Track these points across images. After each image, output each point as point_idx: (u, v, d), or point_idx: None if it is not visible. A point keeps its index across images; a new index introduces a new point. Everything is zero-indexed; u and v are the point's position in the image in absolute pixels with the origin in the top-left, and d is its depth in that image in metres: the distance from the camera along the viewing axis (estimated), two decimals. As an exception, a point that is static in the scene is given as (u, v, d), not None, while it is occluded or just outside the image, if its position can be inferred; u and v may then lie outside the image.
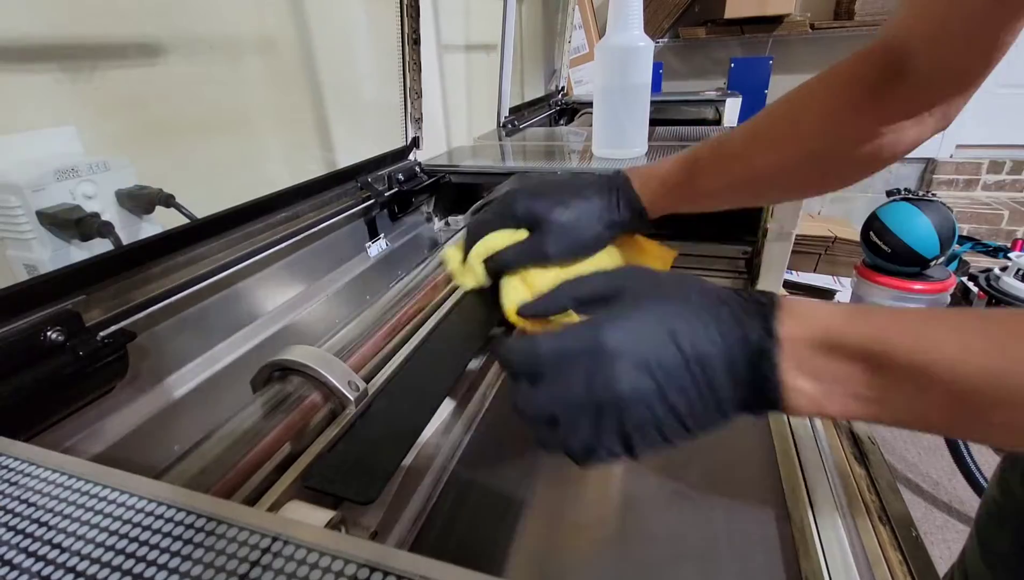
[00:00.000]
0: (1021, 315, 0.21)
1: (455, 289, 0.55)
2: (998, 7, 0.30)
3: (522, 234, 0.44)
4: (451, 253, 0.50)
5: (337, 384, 0.37)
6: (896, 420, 0.24)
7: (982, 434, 0.23)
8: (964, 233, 2.00)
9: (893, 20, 0.36)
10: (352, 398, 0.37)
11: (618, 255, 0.45)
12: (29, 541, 0.18)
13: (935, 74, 0.34)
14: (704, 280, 0.29)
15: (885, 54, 0.35)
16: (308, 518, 0.26)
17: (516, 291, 0.42)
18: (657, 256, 0.49)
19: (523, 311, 0.39)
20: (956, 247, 1.66)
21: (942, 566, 1.19)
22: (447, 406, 0.45)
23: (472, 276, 0.46)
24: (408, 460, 0.35)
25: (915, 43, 0.34)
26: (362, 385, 0.38)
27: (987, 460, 1.46)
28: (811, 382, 0.24)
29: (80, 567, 0.17)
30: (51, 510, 0.19)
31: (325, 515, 0.26)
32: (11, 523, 0.19)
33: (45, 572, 0.17)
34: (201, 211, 0.52)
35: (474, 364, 0.50)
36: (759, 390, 0.25)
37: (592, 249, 0.43)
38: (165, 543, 0.18)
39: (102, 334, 0.37)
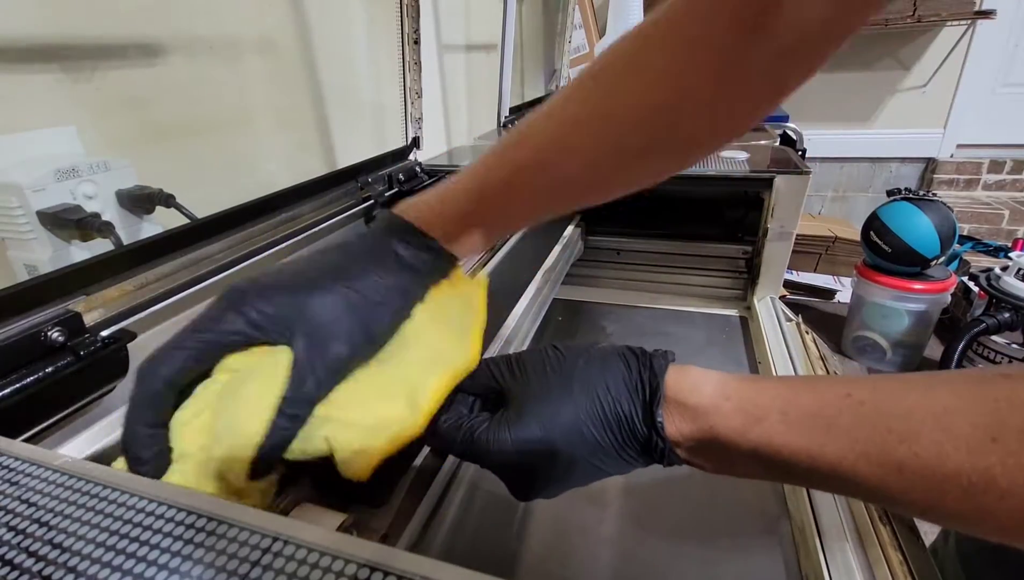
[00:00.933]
0: (909, 418, 0.20)
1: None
2: None
3: (276, 360, 0.25)
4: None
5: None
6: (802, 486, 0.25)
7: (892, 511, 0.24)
8: (965, 233, 2.00)
9: None
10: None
11: (429, 313, 0.31)
12: (29, 541, 0.18)
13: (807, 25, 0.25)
14: (592, 349, 0.29)
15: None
16: (319, 521, 0.26)
17: (345, 431, 0.25)
18: (471, 291, 0.35)
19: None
20: (957, 247, 1.66)
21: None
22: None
23: (230, 491, 0.24)
24: (417, 462, 0.35)
25: None
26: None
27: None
28: (710, 462, 0.26)
29: (80, 567, 0.17)
30: (51, 510, 0.19)
31: (336, 518, 0.26)
32: (11, 523, 0.19)
33: (46, 572, 0.17)
34: (201, 211, 0.52)
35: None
36: (666, 462, 0.27)
37: (395, 326, 0.29)
38: (165, 543, 0.17)
39: (103, 334, 0.37)
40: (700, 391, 0.26)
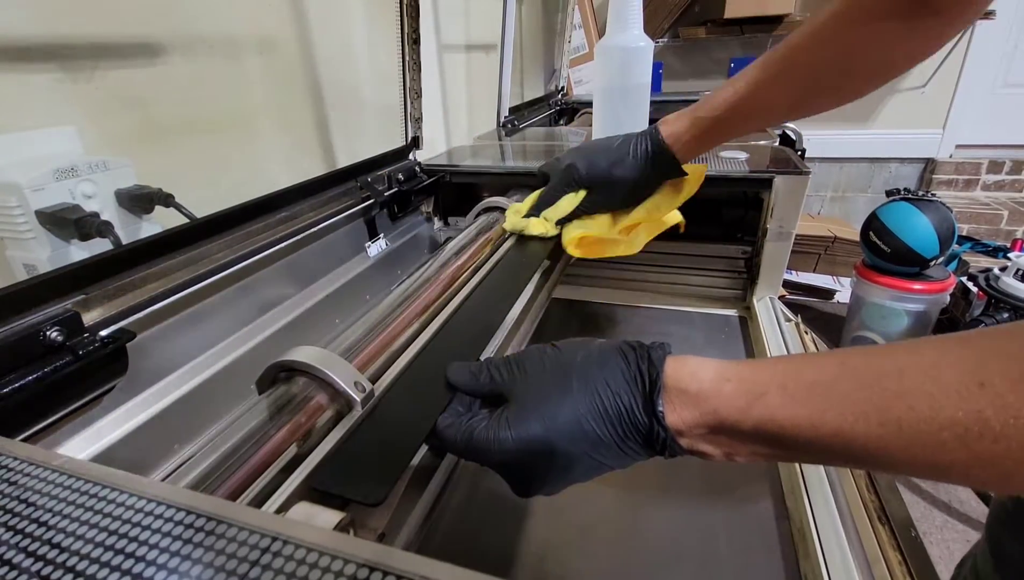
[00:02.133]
0: (902, 377, 0.21)
1: (460, 289, 0.55)
2: None
3: (582, 195, 0.57)
4: (517, 208, 0.63)
5: (343, 385, 0.37)
6: (806, 463, 0.25)
7: (895, 474, 0.24)
8: (964, 233, 2.00)
9: None
10: (358, 399, 0.37)
11: (659, 194, 0.58)
12: (29, 541, 0.18)
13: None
14: (590, 346, 0.30)
15: None
16: (316, 520, 0.26)
17: (575, 230, 0.59)
18: (691, 180, 0.58)
19: None
20: (956, 247, 1.66)
21: (941, 566, 1.19)
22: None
23: (542, 226, 0.60)
24: (415, 461, 0.35)
25: None
26: (368, 386, 0.38)
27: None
28: (712, 448, 0.26)
29: (80, 567, 0.17)
30: (51, 510, 0.19)
31: (333, 517, 0.26)
32: (11, 523, 0.19)
33: (45, 572, 0.17)
34: (201, 211, 0.52)
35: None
36: (668, 454, 0.27)
37: (635, 199, 0.57)
38: (165, 543, 0.18)
39: (102, 334, 0.37)
40: (699, 377, 0.26)
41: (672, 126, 0.53)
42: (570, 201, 0.58)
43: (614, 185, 0.55)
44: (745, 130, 0.52)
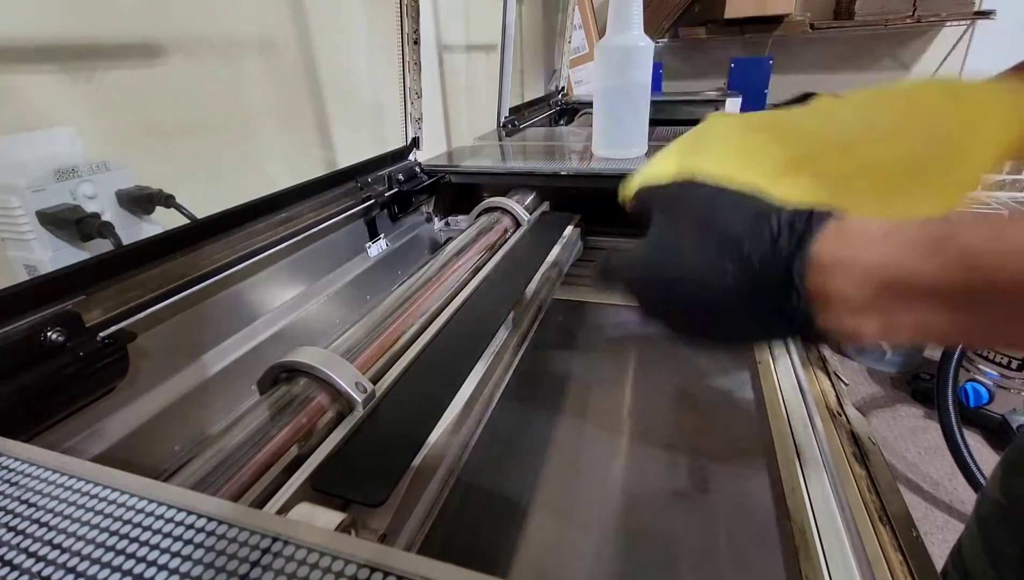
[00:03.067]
0: None
1: (461, 289, 0.55)
2: None
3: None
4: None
5: (344, 386, 0.37)
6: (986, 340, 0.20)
7: None
8: (964, 233, 1.99)
9: None
10: (360, 400, 0.37)
11: None
12: (29, 541, 0.18)
13: None
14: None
15: None
16: (318, 521, 0.26)
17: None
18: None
19: None
20: (956, 247, 1.66)
21: (942, 566, 1.18)
22: (455, 406, 0.45)
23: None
24: (417, 461, 0.35)
25: None
26: (369, 386, 0.38)
27: (987, 460, 1.46)
28: (869, 321, 0.21)
29: (80, 567, 0.17)
30: (51, 510, 0.19)
31: (335, 517, 0.26)
32: (11, 523, 0.19)
33: (45, 572, 0.17)
34: (201, 211, 0.52)
35: (481, 365, 0.50)
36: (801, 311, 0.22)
37: None
38: (165, 543, 0.18)
39: (102, 334, 0.37)
40: (868, 230, 0.21)
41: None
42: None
43: None
44: None
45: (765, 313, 0.23)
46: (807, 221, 0.22)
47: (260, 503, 0.30)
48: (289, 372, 0.38)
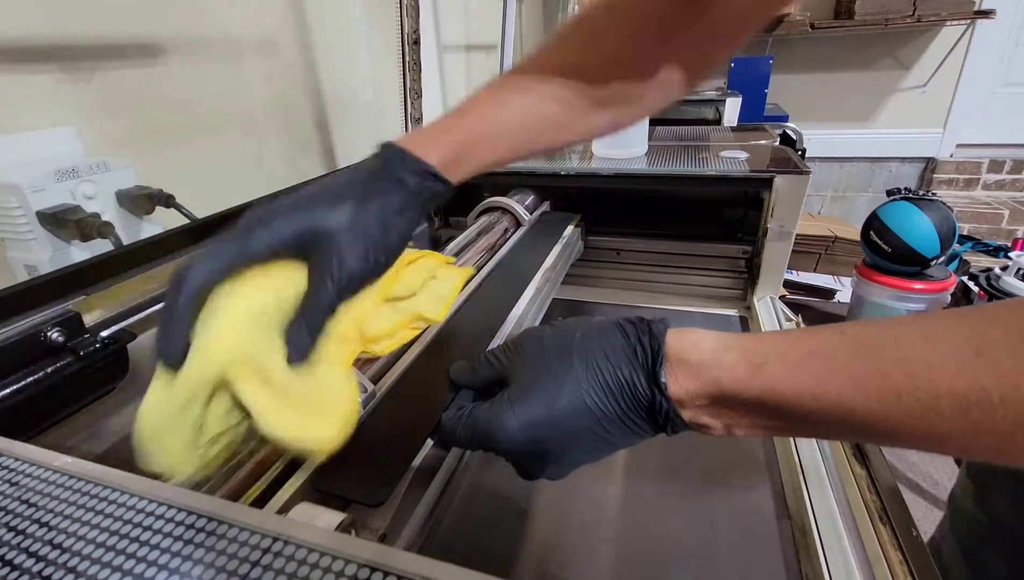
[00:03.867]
0: (900, 346, 0.21)
1: (461, 290, 0.55)
2: None
3: (291, 276, 0.27)
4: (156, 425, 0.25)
5: (341, 385, 0.37)
6: (805, 437, 0.24)
7: (892, 446, 0.23)
8: (964, 232, 2.00)
9: None
10: (360, 400, 0.37)
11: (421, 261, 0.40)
12: (29, 541, 0.18)
13: (732, 11, 0.32)
14: (589, 322, 0.30)
15: None
16: (318, 521, 0.26)
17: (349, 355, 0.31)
18: (457, 272, 0.44)
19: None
20: (956, 246, 1.66)
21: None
22: (450, 406, 0.45)
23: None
24: (417, 461, 0.35)
25: None
26: (370, 386, 0.38)
27: (987, 460, 1.46)
28: (713, 420, 0.26)
29: (80, 567, 0.17)
30: (51, 510, 0.19)
31: (335, 518, 0.26)
32: (11, 523, 0.19)
33: (46, 572, 0.17)
34: (201, 211, 0.52)
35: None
36: (671, 428, 0.27)
37: (401, 249, 0.30)
38: (165, 543, 0.18)
39: (102, 334, 0.36)
40: (701, 348, 0.26)
41: (418, 143, 0.33)
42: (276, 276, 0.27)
43: (356, 231, 0.28)
44: (517, 150, 0.36)
45: (642, 422, 0.27)
46: (651, 328, 0.27)
47: (260, 503, 0.30)
48: (289, 372, 0.38)
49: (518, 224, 0.73)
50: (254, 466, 0.31)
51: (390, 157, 0.30)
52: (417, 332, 0.40)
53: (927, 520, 1.33)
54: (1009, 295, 1.36)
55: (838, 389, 0.22)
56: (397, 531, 0.33)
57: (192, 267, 0.25)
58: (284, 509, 0.28)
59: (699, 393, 0.25)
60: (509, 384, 0.29)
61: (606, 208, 0.83)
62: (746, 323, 0.73)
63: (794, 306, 0.98)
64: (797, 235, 0.69)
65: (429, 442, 0.36)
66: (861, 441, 0.26)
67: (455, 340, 0.48)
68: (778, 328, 0.63)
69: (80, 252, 0.48)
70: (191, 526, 0.18)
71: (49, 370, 0.33)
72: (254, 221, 0.27)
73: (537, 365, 0.29)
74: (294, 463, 0.33)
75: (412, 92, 0.78)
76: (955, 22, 1.99)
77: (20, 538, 0.18)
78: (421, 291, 0.40)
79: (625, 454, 0.45)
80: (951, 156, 2.25)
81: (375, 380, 0.41)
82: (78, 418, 0.36)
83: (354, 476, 0.32)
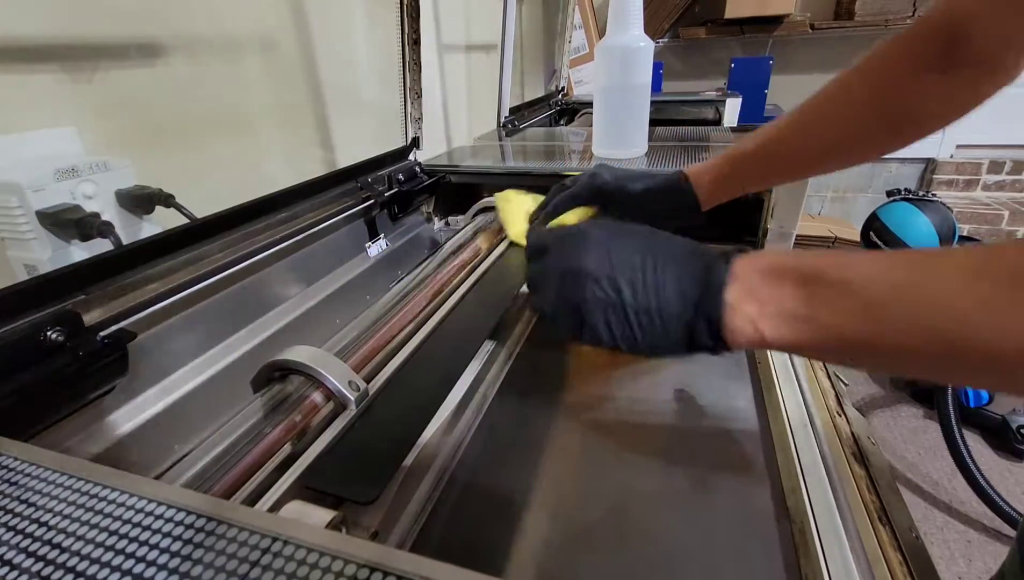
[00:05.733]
0: (931, 253, 0.23)
1: (456, 289, 0.55)
2: None
3: (590, 213, 0.54)
4: (517, 214, 0.65)
5: (337, 384, 0.37)
6: (820, 339, 0.26)
7: (898, 360, 0.24)
8: (964, 233, 1.99)
9: None
10: (353, 398, 0.37)
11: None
12: (29, 541, 0.18)
13: (993, 38, 0.36)
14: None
15: (945, 24, 0.37)
16: (309, 518, 0.26)
17: None
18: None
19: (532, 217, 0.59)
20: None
21: (942, 566, 1.19)
22: (448, 406, 0.45)
23: None
24: (409, 460, 0.35)
25: (975, 8, 0.36)
26: (363, 385, 0.38)
27: (987, 460, 1.46)
28: (750, 302, 0.27)
29: (80, 567, 0.17)
30: (51, 510, 0.19)
31: (326, 515, 0.26)
32: (11, 523, 0.19)
33: (45, 572, 0.17)
34: (201, 211, 0.52)
35: (475, 364, 0.50)
36: (704, 309, 0.28)
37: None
38: (165, 543, 0.18)
39: (102, 334, 0.37)
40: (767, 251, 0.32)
41: (697, 167, 0.51)
42: (576, 216, 0.54)
43: (630, 206, 0.51)
44: (772, 179, 0.51)
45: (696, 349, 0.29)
46: (716, 296, 0.29)
47: (252, 500, 0.30)
48: (282, 371, 0.38)
49: (518, 224, 0.73)
50: (247, 464, 0.31)
51: (679, 181, 0.51)
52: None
53: (927, 520, 1.34)
54: (1009, 295, 1.36)
55: (864, 265, 0.24)
56: (389, 529, 0.33)
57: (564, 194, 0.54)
58: (276, 506, 0.28)
59: (753, 268, 0.27)
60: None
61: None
62: (746, 323, 0.73)
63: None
64: (797, 236, 0.69)
65: (422, 440, 0.36)
66: (872, 347, 0.26)
67: (448, 340, 0.48)
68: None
69: (80, 252, 0.48)
70: (190, 526, 0.18)
71: (48, 370, 0.33)
72: (591, 179, 0.52)
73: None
74: (287, 461, 0.33)
75: (412, 92, 0.78)
76: (955, 22, 1.99)
77: (19, 538, 0.18)
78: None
79: (623, 452, 0.45)
80: (951, 157, 2.25)
81: (368, 379, 0.41)
82: (78, 418, 0.36)
83: (346, 474, 0.32)
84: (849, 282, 0.24)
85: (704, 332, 0.28)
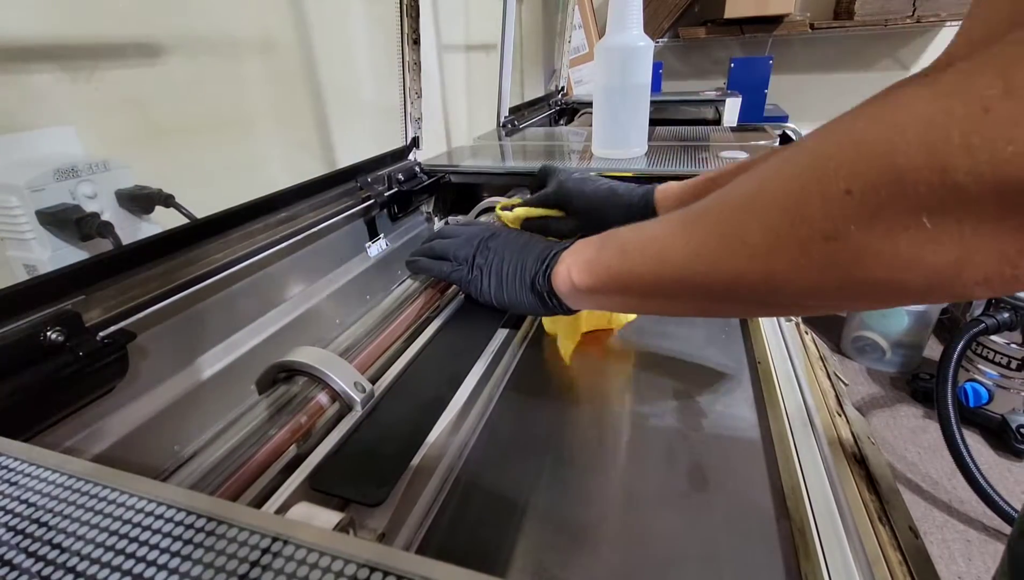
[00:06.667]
0: (677, 212, 0.29)
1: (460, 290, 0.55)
2: None
3: (555, 214, 0.60)
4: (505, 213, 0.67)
5: (343, 385, 0.37)
6: (603, 281, 0.34)
7: (652, 291, 0.31)
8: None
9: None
10: (358, 399, 0.37)
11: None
12: (29, 541, 0.18)
13: None
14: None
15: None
16: (316, 520, 0.26)
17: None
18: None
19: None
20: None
21: (942, 566, 1.19)
22: (453, 406, 0.45)
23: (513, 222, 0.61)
24: (415, 461, 0.35)
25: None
26: (368, 386, 0.38)
27: (987, 460, 1.46)
28: (571, 256, 0.38)
29: (80, 567, 0.17)
30: (51, 510, 0.19)
31: (333, 517, 0.26)
32: (11, 523, 0.19)
33: (45, 572, 0.17)
34: (201, 211, 0.52)
35: (480, 364, 0.50)
36: (544, 264, 0.40)
37: None
38: (165, 543, 0.17)
39: (102, 334, 0.36)
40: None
41: (667, 189, 0.53)
42: (540, 213, 0.60)
43: (593, 216, 0.55)
44: None
45: (539, 301, 0.42)
46: (554, 254, 0.40)
47: (259, 503, 0.30)
48: (288, 372, 0.38)
49: (518, 224, 0.73)
50: (253, 466, 0.31)
51: (645, 195, 0.55)
52: None
53: (927, 520, 1.34)
54: (1008, 296, 1.36)
55: (632, 233, 0.32)
56: (396, 531, 0.33)
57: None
58: (283, 509, 0.28)
59: (576, 246, 0.38)
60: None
61: (606, 208, 0.83)
62: (746, 324, 0.73)
63: (794, 306, 0.98)
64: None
65: (428, 441, 0.36)
66: (652, 289, 0.32)
67: (453, 339, 0.48)
68: (778, 329, 0.63)
69: (79, 252, 0.48)
70: (191, 526, 0.18)
71: (48, 370, 0.33)
72: (558, 188, 0.59)
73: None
74: (293, 463, 0.33)
75: (412, 92, 0.78)
76: (955, 23, 1.99)
77: (19, 538, 0.18)
78: None
79: (624, 452, 0.45)
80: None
81: (374, 380, 0.41)
82: (78, 418, 0.36)
83: (353, 476, 0.32)
84: (619, 234, 0.33)
85: (540, 282, 0.40)
